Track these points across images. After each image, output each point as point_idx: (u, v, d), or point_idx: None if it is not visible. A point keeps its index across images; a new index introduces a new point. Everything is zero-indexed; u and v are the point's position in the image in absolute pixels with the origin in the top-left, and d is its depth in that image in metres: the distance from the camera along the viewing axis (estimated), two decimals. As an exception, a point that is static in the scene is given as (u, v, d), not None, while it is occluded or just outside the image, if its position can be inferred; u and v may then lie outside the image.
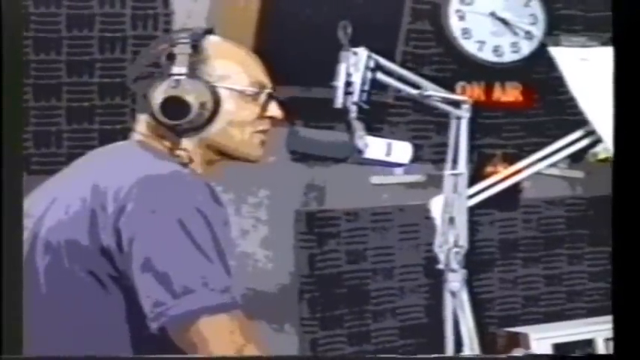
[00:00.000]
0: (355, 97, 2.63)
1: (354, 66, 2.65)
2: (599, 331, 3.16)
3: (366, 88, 2.67)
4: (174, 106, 1.93)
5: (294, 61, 3.09)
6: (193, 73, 1.95)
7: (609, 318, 3.26)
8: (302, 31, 3.18)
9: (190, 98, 1.94)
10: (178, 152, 1.97)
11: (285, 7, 3.19)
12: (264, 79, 2.05)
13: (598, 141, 2.81)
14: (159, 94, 1.94)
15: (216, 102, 1.96)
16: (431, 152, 3.38)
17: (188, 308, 1.77)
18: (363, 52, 2.67)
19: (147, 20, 3.18)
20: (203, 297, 1.77)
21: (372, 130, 2.67)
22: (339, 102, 2.65)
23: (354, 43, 2.69)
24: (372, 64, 2.67)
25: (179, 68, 1.95)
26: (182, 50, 1.97)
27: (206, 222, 1.80)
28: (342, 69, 2.66)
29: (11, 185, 1.84)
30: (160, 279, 1.77)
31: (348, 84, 2.65)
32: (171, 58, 1.97)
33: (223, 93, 1.98)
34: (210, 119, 1.96)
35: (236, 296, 1.81)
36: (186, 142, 1.98)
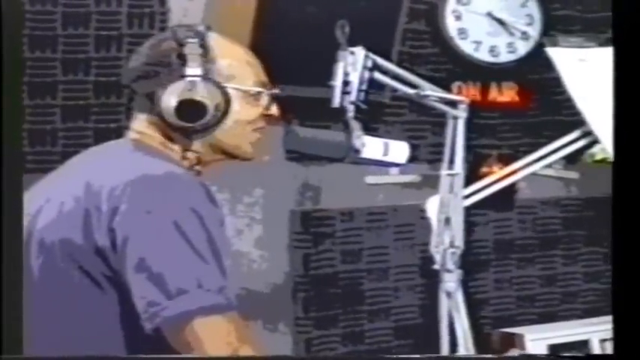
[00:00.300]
0: (353, 97, 2.63)
1: (352, 65, 2.64)
2: (594, 332, 3.15)
3: (364, 87, 2.66)
4: (190, 109, 1.92)
5: (290, 60, 3.08)
6: (206, 74, 1.95)
7: (605, 319, 3.27)
8: (298, 30, 3.17)
9: (206, 100, 1.93)
10: (189, 154, 1.96)
11: (282, 5, 3.18)
12: (265, 77, 2.04)
13: (595, 142, 2.80)
14: (171, 95, 1.93)
15: (227, 102, 1.96)
16: (426, 152, 3.38)
17: (182, 309, 1.76)
18: (360, 51, 2.66)
19: (143, 19, 3.16)
20: (198, 298, 1.76)
21: (369, 129, 2.67)
22: (336, 101, 2.64)
23: (351, 42, 2.68)
24: (369, 63, 2.66)
25: (193, 70, 1.94)
26: (192, 50, 1.95)
27: (201, 222, 1.80)
28: (339, 68, 2.65)
29: (11, 184, 1.83)
30: (154, 279, 1.76)
31: (346, 83, 2.64)
32: (181, 58, 1.95)
33: (232, 93, 1.97)
34: (221, 120, 1.96)
35: (231, 297, 1.80)
36: (198, 144, 1.97)
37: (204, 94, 1.93)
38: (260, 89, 2.01)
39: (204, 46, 1.96)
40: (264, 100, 2.03)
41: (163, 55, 1.96)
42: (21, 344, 1.82)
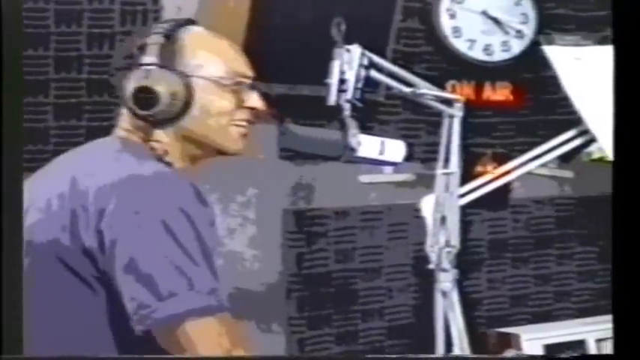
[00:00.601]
0: (349, 95, 2.61)
1: (348, 63, 2.63)
2: (590, 332, 3.15)
3: (360, 85, 2.64)
4: (145, 96, 1.90)
5: (285, 58, 3.07)
6: (167, 63, 1.92)
7: (601, 319, 3.27)
8: (293, 28, 3.16)
9: (160, 88, 1.90)
10: (152, 144, 1.94)
11: (276, 4, 3.17)
12: (244, 69, 2.01)
13: (592, 140, 2.80)
14: (130, 84, 1.92)
15: (189, 92, 1.93)
16: (421, 151, 3.36)
17: (173, 311, 1.74)
18: (356, 49, 2.65)
19: (136, 16, 3.14)
20: (188, 300, 1.75)
21: (364, 128, 2.65)
22: (332, 100, 2.62)
23: (346, 40, 2.66)
24: (365, 61, 2.65)
25: (149, 58, 1.92)
26: (154, 40, 1.94)
27: (190, 223, 1.78)
28: (335, 66, 2.63)
29: (11, 184, 1.81)
30: (143, 281, 1.74)
31: (342, 81, 2.62)
32: (142, 48, 1.94)
33: (199, 83, 1.95)
34: (184, 110, 1.93)
35: (222, 298, 1.78)
36: (161, 134, 1.95)
37: (158, 81, 1.91)
38: (231, 79, 1.98)
39: (169, 36, 1.94)
40: (242, 91, 2.00)
41: (131, 47, 1.95)
42: (21, 344, 1.80)
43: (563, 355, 2.93)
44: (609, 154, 2.77)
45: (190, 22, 2.01)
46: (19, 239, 1.81)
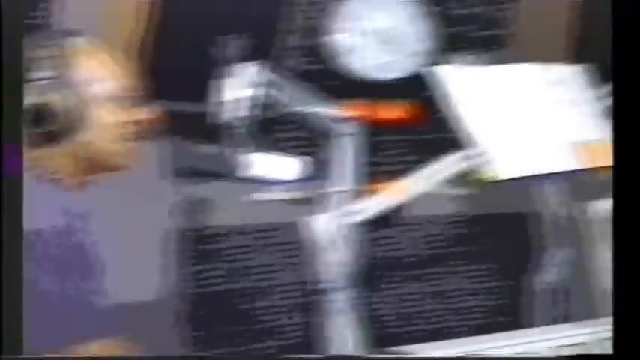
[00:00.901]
0: (243, 112, 2.59)
1: (243, 80, 2.61)
2: (490, 348, 3.16)
3: (255, 103, 2.62)
4: (40, 113, 1.86)
5: (178, 74, 3.04)
6: (59, 77, 1.89)
7: (498, 335, 3.29)
8: (187, 44, 3.14)
9: (56, 104, 1.87)
10: (46, 162, 1.90)
11: (171, 19, 3.14)
12: (134, 84, 1.99)
13: (485, 161, 2.82)
14: (25, 100, 1.88)
15: (82, 107, 1.89)
16: (315, 169, 3.36)
17: (62, 334, 1.71)
18: (252, 66, 2.63)
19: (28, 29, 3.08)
20: (77, 322, 1.72)
21: (258, 146, 2.64)
22: (225, 117, 2.60)
23: (241, 57, 2.65)
24: (260, 78, 2.63)
25: (44, 73, 1.89)
26: (46, 53, 1.90)
27: (77, 242, 1.75)
28: (230, 83, 2.61)
29: (11, 185, 1.74)
30: (35, 302, 1.71)
31: (236, 99, 2.60)
32: (37, 62, 1.90)
33: (89, 97, 1.91)
34: (77, 125, 1.90)
35: (114, 320, 1.76)
36: (53, 150, 1.91)
37: (54, 97, 1.87)
38: (121, 93, 1.95)
39: (56, 49, 1.90)
40: (132, 105, 1.97)
41: (26, 61, 1.91)
42: (21, 344, 1.74)
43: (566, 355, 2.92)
44: (500, 174, 2.79)
45: (78, 33, 1.97)
46: (19, 239, 1.74)
